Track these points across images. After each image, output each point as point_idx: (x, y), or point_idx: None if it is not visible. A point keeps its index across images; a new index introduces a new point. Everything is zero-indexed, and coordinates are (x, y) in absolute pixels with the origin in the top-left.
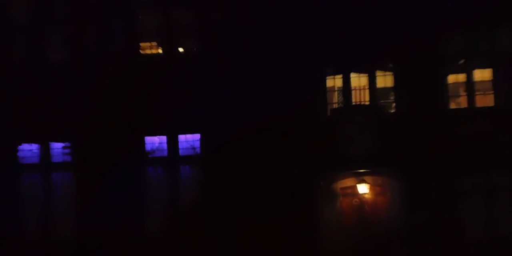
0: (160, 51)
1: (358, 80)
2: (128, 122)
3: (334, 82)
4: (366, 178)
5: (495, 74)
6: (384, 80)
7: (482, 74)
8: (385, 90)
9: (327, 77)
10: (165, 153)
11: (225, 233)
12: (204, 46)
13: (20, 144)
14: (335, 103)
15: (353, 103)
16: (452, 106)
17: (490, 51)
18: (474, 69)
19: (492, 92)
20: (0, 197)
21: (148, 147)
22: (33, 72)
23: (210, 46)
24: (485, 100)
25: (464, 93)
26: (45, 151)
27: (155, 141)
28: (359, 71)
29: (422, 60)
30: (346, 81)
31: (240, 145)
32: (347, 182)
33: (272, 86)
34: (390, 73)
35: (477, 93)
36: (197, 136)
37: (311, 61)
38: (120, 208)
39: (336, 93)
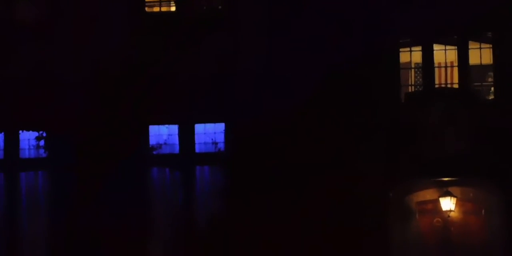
0: (173, 8)
1: (444, 54)
2: (126, 105)
3: (411, 56)
4: (452, 189)
5: None
6: (479, 54)
7: None
8: (480, 68)
9: (401, 49)
10: (176, 149)
11: None
12: (233, 4)
13: None
14: (411, 85)
15: (436, 86)
16: None
17: None
18: None
19: None
20: None
21: (152, 140)
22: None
23: (242, 3)
24: None
25: None
26: (12, 142)
27: (163, 132)
28: (445, 41)
29: None
30: (428, 55)
31: (280, 139)
32: (426, 194)
33: (323, 59)
34: (488, 45)
35: None
36: (221, 126)
37: (377, 27)
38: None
39: (412, 71)
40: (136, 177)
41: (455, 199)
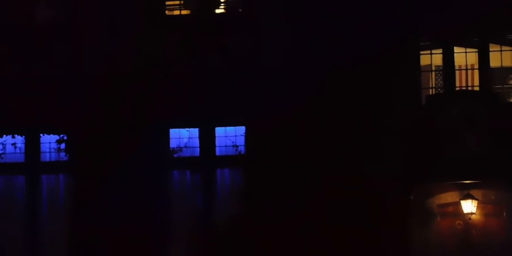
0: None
1: (465, 57)
2: (147, 108)
3: (431, 59)
4: (473, 192)
5: None
6: (501, 57)
7: None
8: (501, 70)
9: (421, 52)
10: (197, 152)
11: None
12: (253, 6)
13: None
14: (431, 87)
15: (457, 88)
16: None
17: None
18: None
19: None
20: None
21: (173, 143)
22: (16, 35)
23: (260, 5)
24: None
25: None
26: (33, 145)
27: (183, 136)
28: (465, 44)
29: None
30: (448, 57)
31: (301, 143)
32: (447, 197)
33: (343, 61)
34: (509, 47)
35: None
36: (241, 129)
37: (397, 29)
38: (132, 229)
39: (433, 74)
40: (157, 180)
41: (476, 202)
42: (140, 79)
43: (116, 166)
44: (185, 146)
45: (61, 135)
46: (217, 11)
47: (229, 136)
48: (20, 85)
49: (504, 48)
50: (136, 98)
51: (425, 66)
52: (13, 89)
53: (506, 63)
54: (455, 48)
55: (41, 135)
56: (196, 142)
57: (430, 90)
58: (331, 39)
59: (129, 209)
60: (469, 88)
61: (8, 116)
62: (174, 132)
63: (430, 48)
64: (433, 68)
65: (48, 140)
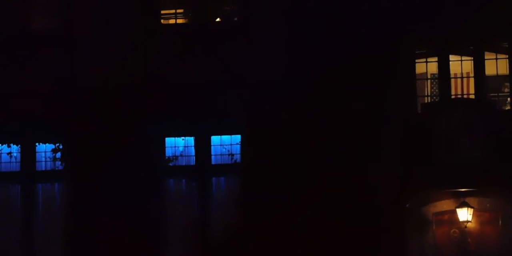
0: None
1: (460, 65)
2: (142, 117)
3: (427, 67)
4: (469, 200)
5: None
6: (496, 65)
7: None
8: (496, 78)
9: (416, 60)
10: (192, 161)
11: None
12: (248, 15)
13: None
14: (427, 95)
15: (453, 96)
16: None
17: None
18: None
19: None
20: None
21: (168, 152)
22: (11, 42)
23: (257, 14)
24: None
25: None
26: (29, 155)
27: (179, 145)
28: (461, 52)
29: None
30: (444, 66)
31: (297, 151)
32: (443, 204)
33: (340, 70)
34: (504, 56)
35: None
36: (237, 138)
37: (392, 37)
38: (128, 238)
39: (428, 82)
40: (152, 189)
41: (472, 209)
42: (135, 88)
43: (112, 175)
44: (181, 155)
45: (57, 144)
46: (213, 21)
47: (225, 145)
48: (15, 93)
49: (499, 56)
50: (131, 107)
51: (421, 74)
52: (8, 97)
53: (502, 71)
54: (450, 56)
55: (37, 144)
56: (192, 151)
57: (426, 98)
58: (326, 46)
59: (125, 218)
60: (465, 96)
61: (3, 124)
62: (169, 141)
63: (426, 56)
64: (429, 76)
65: (44, 149)
